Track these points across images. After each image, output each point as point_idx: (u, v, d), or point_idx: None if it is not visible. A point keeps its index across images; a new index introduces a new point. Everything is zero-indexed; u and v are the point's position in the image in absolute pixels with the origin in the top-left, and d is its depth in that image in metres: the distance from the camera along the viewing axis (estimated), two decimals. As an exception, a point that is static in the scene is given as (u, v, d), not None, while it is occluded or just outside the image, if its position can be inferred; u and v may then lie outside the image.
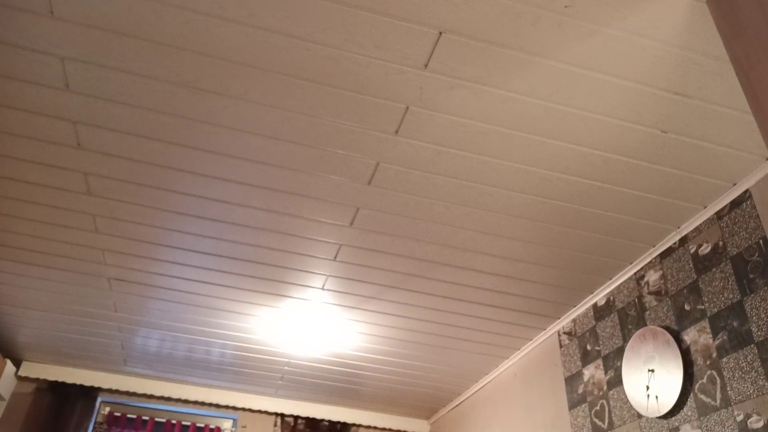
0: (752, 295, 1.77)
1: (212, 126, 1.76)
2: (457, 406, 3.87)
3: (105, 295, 2.80)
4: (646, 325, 2.22)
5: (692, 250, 2.06)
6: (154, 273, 2.58)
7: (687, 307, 2.03)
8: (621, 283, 2.40)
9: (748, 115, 1.62)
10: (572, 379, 2.62)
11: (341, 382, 3.70)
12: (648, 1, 1.33)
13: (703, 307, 1.96)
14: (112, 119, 1.75)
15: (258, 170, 1.93)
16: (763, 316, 1.72)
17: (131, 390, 3.80)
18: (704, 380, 1.90)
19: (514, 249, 2.26)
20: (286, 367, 3.51)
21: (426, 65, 1.52)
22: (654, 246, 2.22)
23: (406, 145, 1.79)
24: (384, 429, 4.24)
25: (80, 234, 2.32)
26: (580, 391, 2.55)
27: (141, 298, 2.81)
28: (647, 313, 2.23)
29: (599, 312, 2.52)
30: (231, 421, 3.96)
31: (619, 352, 2.32)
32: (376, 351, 3.22)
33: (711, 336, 1.90)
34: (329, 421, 4.11)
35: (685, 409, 1.95)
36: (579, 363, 2.59)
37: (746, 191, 1.87)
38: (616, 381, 2.31)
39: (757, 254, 1.78)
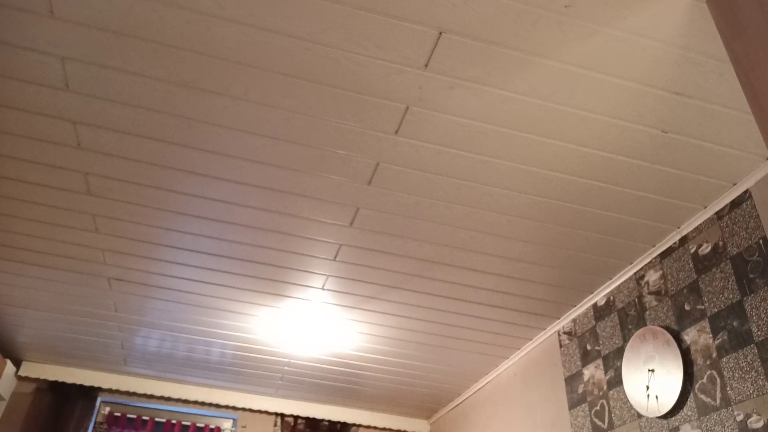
0: (752, 295, 1.77)
1: (212, 126, 1.76)
2: (457, 406, 3.87)
3: (105, 295, 2.80)
4: (646, 325, 2.22)
5: (692, 250, 2.06)
6: (154, 273, 2.58)
7: (687, 307, 2.03)
8: (621, 283, 2.40)
9: (748, 115, 1.62)
10: (572, 379, 2.62)
11: (341, 382, 3.70)
12: (648, 1, 1.33)
13: (703, 307, 1.96)
14: (112, 119, 1.75)
15: (258, 170, 1.93)
16: (763, 316, 1.72)
17: (131, 390, 3.80)
18: (704, 380, 1.90)
19: (514, 249, 2.26)
20: (286, 367, 3.51)
21: (426, 65, 1.52)
22: (654, 246, 2.22)
23: (406, 145, 1.79)
24: (384, 429, 4.24)
25: (80, 234, 2.32)
26: (580, 391, 2.55)
27: (141, 298, 2.81)
28: (647, 313, 2.23)
29: (599, 312, 2.52)
30: (231, 421, 3.96)
31: (619, 352, 2.32)
32: (376, 351, 3.22)
33: (711, 336, 1.90)
34: (329, 421, 4.11)
35: (685, 409, 1.95)
36: (579, 363, 2.60)
37: (746, 191, 1.87)
38: (616, 381, 2.31)
39: (757, 254, 1.79)
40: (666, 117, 1.65)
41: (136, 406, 3.85)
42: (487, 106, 1.64)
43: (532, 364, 3.00)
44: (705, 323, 1.94)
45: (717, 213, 1.97)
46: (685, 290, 2.06)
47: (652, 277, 2.23)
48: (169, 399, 3.89)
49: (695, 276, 2.02)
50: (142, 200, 2.11)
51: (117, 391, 3.82)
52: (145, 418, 3.81)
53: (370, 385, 3.72)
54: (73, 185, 2.05)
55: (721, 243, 1.93)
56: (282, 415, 4.03)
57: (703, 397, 1.90)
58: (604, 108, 1.63)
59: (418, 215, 2.11)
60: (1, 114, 1.76)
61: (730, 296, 1.85)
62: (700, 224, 2.03)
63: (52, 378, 3.71)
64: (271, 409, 4.00)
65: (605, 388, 2.38)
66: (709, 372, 1.89)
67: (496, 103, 1.63)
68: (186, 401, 3.90)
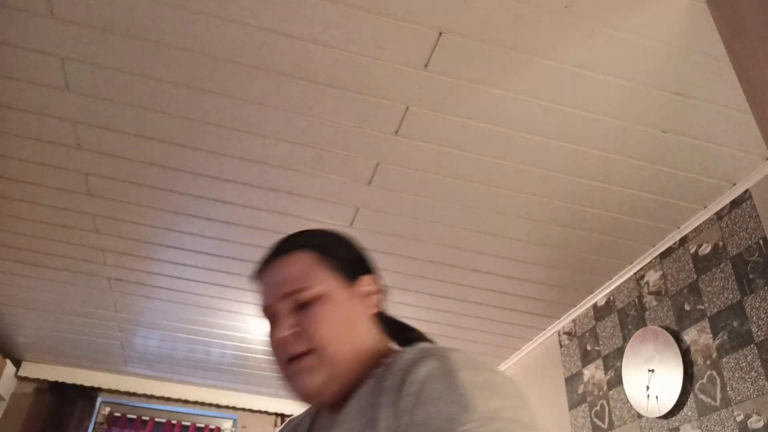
0: (752, 295, 1.77)
1: (212, 126, 1.76)
2: (457, 406, 3.86)
3: (105, 295, 2.80)
4: (646, 325, 2.21)
5: (692, 250, 2.06)
6: (154, 273, 2.58)
7: (687, 307, 2.03)
8: (621, 283, 2.40)
9: (748, 115, 1.62)
10: (572, 379, 2.62)
11: (341, 382, 3.70)
12: (648, 1, 1.33)
13: (703, 307, 1.96)
14: (112, 119, 1.75)
15: (258, 170, 1.93)
16: (763, 316, 1.72)
17: (131, 390, 3.80)
18: (704, 380, 1.90)
19: (514, 249, 2.26)
20: (286, 367, 3.51)
21: (426, 65, 1.52)
22: (654, 246, 2.22)
23: (406, 145, 1.79)
24: (384, 429, 4.23)
25: (80, 234, 2.32)
26: (580, 391, 2.55)
27: (141, 298, 2.81)
28: (647, 313, 2.23)
29: (599, 312, 2.52)
30: (231, 421, 3.96)
31: (619, 352, 2.32)
32: (376, 351, 3.21)
33: (711, 336, 1.90)
34: (329, 421, 4.10)
35: (685, 409, 1.95)
36: (579, 363, 2.59)
37: (746, 191, 1.86)
38: (616, 381, 2.31)
39: (757, 254, 1.78)
40: (666, 117, 1.65)
41: (136, 407, 3.84)
42: (487, 106, 1.64)
43: (532, 365, 3.00)
44: (705, 323, 1.94)
45: (717, 213, 1.97)
46: (685, 290, 2.06)
47: (652, 277, 2.23)
48: (169, 399, 3.88)
49: (695, 276, 2.02)
50: (142, 200, 2.10)
51: (117, 391, 3.82)
52: (145, 418, 3.81)
53: (370, 385, 3.72)
54: (73, 185, 2.04)
55: (721, 243, 1.93)
56: (282, 415, 4.03)
57: (703, 397, 1.90)
58: (604, 108, 1.63)
59: (418, 215, 2.10)
60: (1, 114, 1.75)
61: (730, 296, 1.85)
62: (700, 224, 2.03)
63: (52, 378, 3.71)
64: (271, 409, 4.00)
65: (605, 388, 2.38)
66: (709, 372, 1.89)
67: (496, 103, 1.62)
68: (186, 401, 3.90)
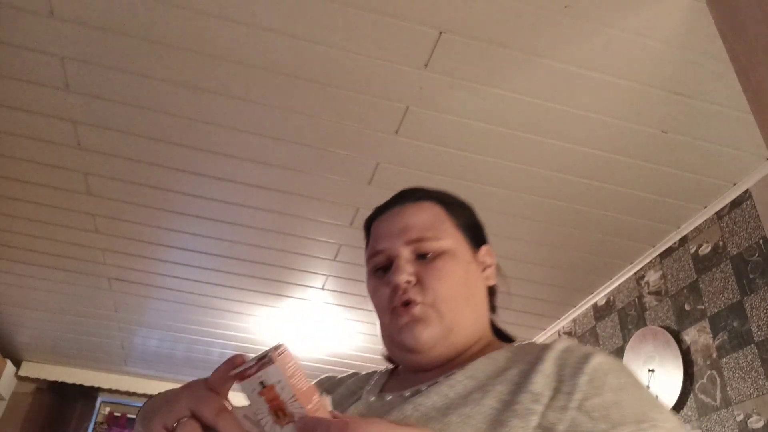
0: (752, 295, 1.77)
1: (212, 126, 1.76)
2: (457, 406, 3.87)
3: (105, 295, 2.80)
4: (646, 325, 2.21)
5: (692, 250, 2.06)
6: (154, 273, 2.58)
7: (687, 307, 2.03)
8: (621, 283, 2.40)
9: (748, 115, 1.62)
10: (572, 379, 2.62)
11: (341, 382, 3.70)
12: (648, 1, 1.33)
13: (703, 307, 1.96)
14: (112, 119, 1.75)
15: (258, 170, 1.93)
16: (763, 316, 1.72)
17: (131, 390, 3.80)
18: (704, 380, 1.90)
19: (514, 249, 2.26)
20: (286, 367, 3.51)
21: (426, 65, 1.52)
22: (654, 246, 2.22)
23: (406, 145, 1.79)
24: (384, 429, 4.23)
25: (80, 234, 2.32)
26: (580, 391, 2.55)
27: (141, 298, 2.81)
28: (647, 313, 2.23)
29: (599, 312, 2.52)
30: (231, 421, 3.95)
31: (619, 353, 2.32)
32: (376, 351, 3.21)
33: (711, 336, 1.90)
34: (329, 421, 4.10)
35: (685, 409, 1.95)
36: (579, 363, 2.59)
37: (746, 191, 1.86)
38: (616, 381, 2.31)
39: (757, 254, 1.78)
40: (666, 117, 1.65)
41: (136, 406, 3.84)
42: (487, 106, 1.64)
43: (532, 364, 3.00)
44: (705, 323, 1.94)
45: (717, 213, 1.97)
46: (685, 290, 2.06)
47: (652, 277, 2.23)
48: (169, 399, 3.88)
49: (695, 276, 2.02)
50: (142, 200, 2.10)
51: (117, 391, 3.82)
52: (145, 418, 3.81)
53: (370, 385, 3.72)
54: (73, 185, 2.04)
55: (721, 243, 1.93)
56: (282, 415, 4.02)
57: (703, 397, 1.90)
58: (604, 108, 1.63)
59: (418, 215, 2.10)
60: (1, 114, 1.75)
61: (730, 296, 1.85)
62: (700, 224, 2.03)
63: (52, 378, 3.71)
64: (271, 409, 4.00)
65: (605, 388, 2.38)
66: (709, 372, 1.89)
67: (496, 103, 1.62)
68: (186, 401, 3.90)
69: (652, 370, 2.10)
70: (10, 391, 3.65)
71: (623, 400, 0.57)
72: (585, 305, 2.61)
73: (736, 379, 1.78)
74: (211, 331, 3.12)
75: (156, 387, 3.82)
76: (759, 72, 1.12)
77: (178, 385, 0.59)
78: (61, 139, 1.84)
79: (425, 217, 0.77)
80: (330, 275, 2.52)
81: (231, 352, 2.81)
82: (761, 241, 1.78)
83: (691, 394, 1.94)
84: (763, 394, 1.69)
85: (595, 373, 0.59)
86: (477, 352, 0.73)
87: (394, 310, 0.73)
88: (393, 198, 0.83)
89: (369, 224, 0.86)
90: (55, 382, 3.72)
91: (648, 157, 1.79)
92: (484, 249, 0.82)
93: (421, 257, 0.74)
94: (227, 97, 1.65)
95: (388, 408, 0.66)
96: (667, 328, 2.09)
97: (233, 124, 1.75)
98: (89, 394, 3.73)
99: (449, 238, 0.76)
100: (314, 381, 0.87)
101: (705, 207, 2.00)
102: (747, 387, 1.74)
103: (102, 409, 3.81)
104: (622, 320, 2.36)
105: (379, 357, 0.88)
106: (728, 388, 1.80)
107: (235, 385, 0.53)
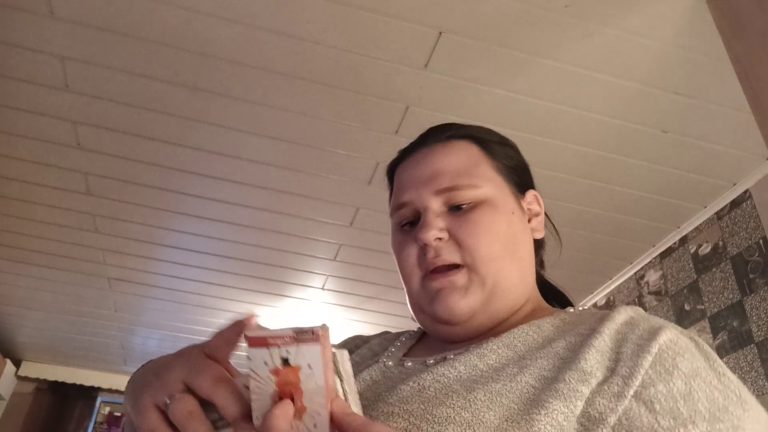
0: (752, 295, 1.77)
1: (212, 126, 1.76)
2: (457, 406, 3.87)
3: (105, 295, 2.80)
4: (646, 325, 2.21)
5: (692, 250, 2.06)
6: (154, 273, 2.58)
7: (687, 307, 2.03)
8: (621, 283, 2.40)
9: (748, 115, 1.62)
10: (572, 379, 2.62)
11: (341, 382, 3.70)
12: (648, 1, 1.33)
13: (703, 307, 1.96)
14: (112, 119, 1.75)
15: (258, 170, 1.93)
16: (763, 316, 1.72)
17: (131, 390, 3.80)
18: (704, 380, 1.90)
19: (514, 249, 2.26)
20: (286, 367, 3.51)
21: (426, 65, 1.52)
22: (654, 246, 2.22)
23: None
24: (384, 429, 4.23)
25: (80, 234, 2.32)
26: (580, 391, 2.55)
27: (141, 298, 2.81)
28: (647, 312, 2.23)
29: (599, 312, 2.52)
30: (231, 421, 3.95)
31: (619, 352, 2.32)
32: (376, 351, 3.22)
33: (711, 336, 1.90)
34: (329, 421, 4.10)
35: (685, 409, 1.95)
36: (579, 363, 2.59)
37: (746, 191, 1.86)
38: (616, 381, 2.31)
39: (757, 254, 1.78)
40: (666, 117, 1.65)
41: (136, 406, 3.84)
42: (487, 106, 1.64)
43: (532, 364, 3.00)
44: (705, 323, 1.94)
45: (717, 213, 1.97)
46: (685, 290, 2.06)
47: (652, 277, 2.23)
48: (169, 399, 3.88)
49: (695, 276, 2.02)
50: (142, 200, 2.10)
51: (117, 391, 3.82)
52: (145, 418, 3.80)
53: (370, 385, 3.72)
54: (73, 185, 2.04)
55: (721, 243, 1.93)
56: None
57: (703, 397, 1.90)
58: (604, 108, 1.63)
59: (418, 215, 2.10)
60: (1, 114, 1.75)
61: (730, 296, 1.85)
62: (700, 224, 2.03)
63: (52, 378, 3.71)
64: (271, 409, 4.00)
65: (605, 388, 2.38)
66: (709, 372, 1.89)
67: (496, 103, 1.62)
68: (186, 401, 3.90)
69: (652, 370, 2.10)
70: (10, 391, 3.65)
71: (697, 390, 0.47)
72: (585, 305, 2.61)
73: (736, 379, 1.78)
74: (211, 331, 3.11)
75: (156, 387, 3.81)
76: (759, 72, 1.12)
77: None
78: (61, 139, 1.84)
79: (458, 160, 0.65)
80: (330, 275, 2.52)
81: (231, 352, 2.73)
82: (761, 241, 1.78)
83: (691, 394, 1.94)
84: (763, 394, 1.69)
85: (663, 353, 0.48)
86: (522, 318, 0.63)
87: (421, 275, 0.64)
88: (420, 137, 0.71)
89: (392, 170, 0.74)
90: (55, 382, 3.72)
91: (648, 157, 1.79)
92: (530, 194, 0.71)
93: (455, 209, 0.63)
94: (227, 97, 1.65)
95: (404, 377, 0.56)
96: (667, 328, 2.09)
97: (233, 124, 1.75)
98: (89, 393, 3.73)
99: (487, 184, 0.64)
100: (341, 341, 0.77)
101: (705, 207, 2.00)
102: (747, 387, 1.74)
103: (102, 409, 3.81)
104: (622, 320, 2.36)
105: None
106: (728, 388, 1.80)
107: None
